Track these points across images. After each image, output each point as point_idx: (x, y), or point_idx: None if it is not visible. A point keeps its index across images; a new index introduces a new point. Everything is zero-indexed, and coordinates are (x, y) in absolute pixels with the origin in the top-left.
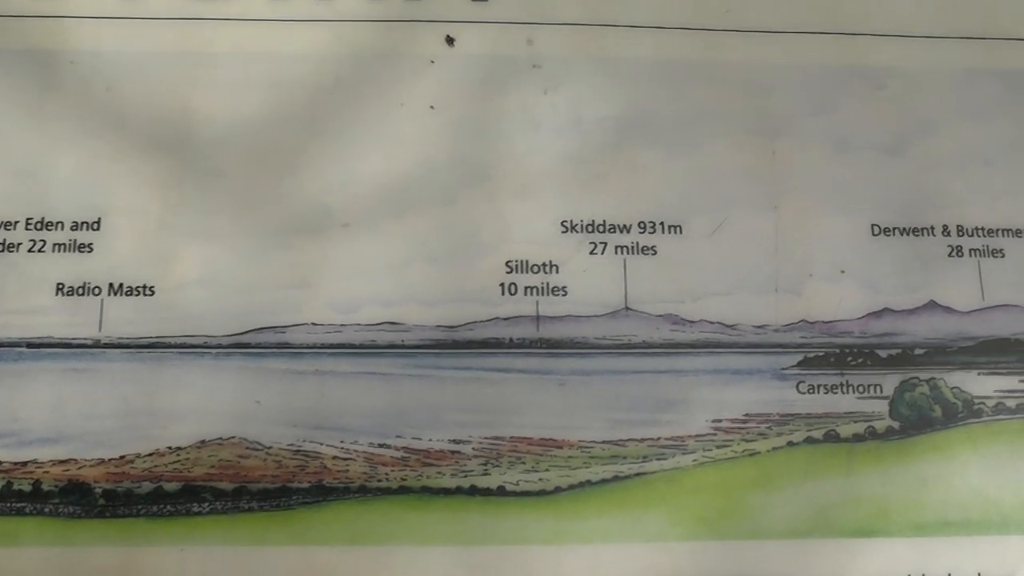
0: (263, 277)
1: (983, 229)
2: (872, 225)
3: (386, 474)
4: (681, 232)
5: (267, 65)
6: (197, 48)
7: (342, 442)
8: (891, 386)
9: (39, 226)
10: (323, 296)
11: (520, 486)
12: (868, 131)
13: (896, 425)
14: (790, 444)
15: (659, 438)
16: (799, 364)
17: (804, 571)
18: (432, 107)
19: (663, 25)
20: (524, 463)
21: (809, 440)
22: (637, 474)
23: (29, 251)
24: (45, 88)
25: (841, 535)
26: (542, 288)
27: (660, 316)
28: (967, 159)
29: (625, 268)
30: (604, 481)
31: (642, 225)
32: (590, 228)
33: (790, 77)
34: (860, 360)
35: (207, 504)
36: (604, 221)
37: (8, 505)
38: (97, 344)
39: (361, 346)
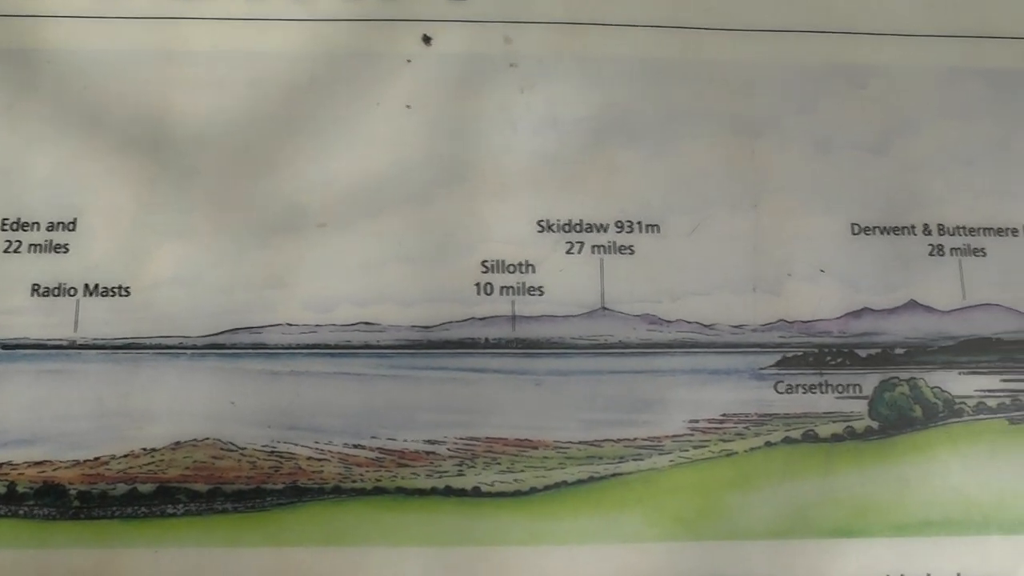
0: (238, 277)
1: (964, 228)
2: (852, 224)
3: (361, 475)
4: (659, 231)
5: (244, 64)
6: (174, 47)
7: (317, 443)
8: (871, 386)
9: (15, 226)
10: (298, 296)
11: (495, 487)
12: (849, 130)
13: (875, 425)
14: (768, 444)
15: (635, 438)
16: (777, 364)
17: (782, 572)
18: (409, 106)
19: (641, 24)
20: (499, 464)
21: (787, 440)
22: (613, 475)
23: (4, 252)
24: (21, 87)
25: (820, 535)
26: (518, 288)
27: (637, 316)
28: (949, 158)
29: (602, 268)
30: (580, 482)
31: (619, 225)
32: (567, 228)
33: (770, 76)
34: (839, 360)
35: (181, 505)
36: (581, 220)
37: None
38: (73, 345)
39: (336, 346)
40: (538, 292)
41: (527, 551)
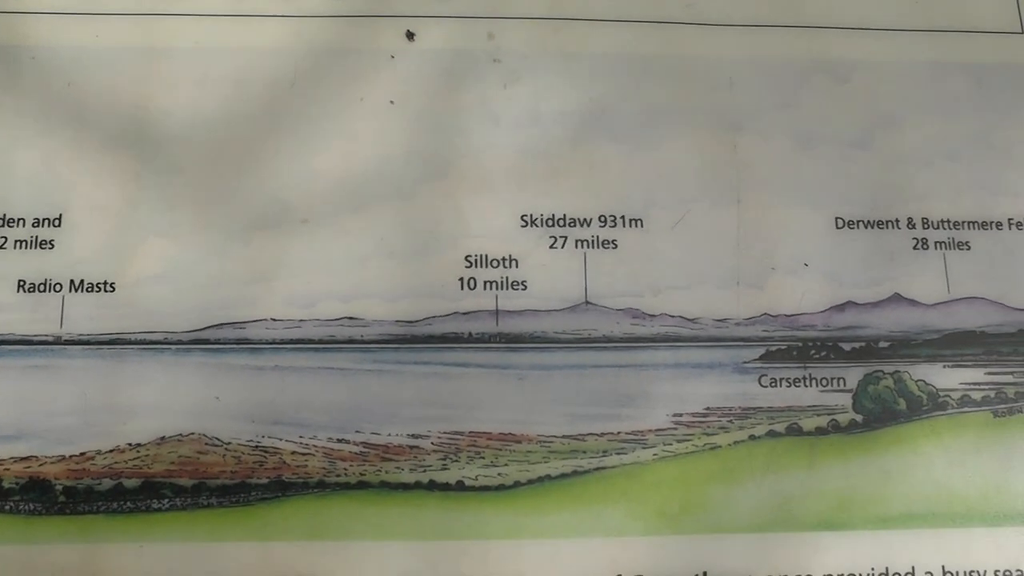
0: (223, 273)
1: (949, 222)
2: (836, 218)
3: (345, 469)
4: (642, 226)
5: (227, 61)
6: (157, 44)
7: (301, 437)
8: (855, 379)
9: (0, 223)
10: (282, 292)
11: (479, 481)
12: (832, 125)
13: (859, 418)
14: (752, 438)
15: (619, 432)
16: (761, 358)
17: (766, 565)
18: (392, 102)
19: (624, 19)
20: (483, 458)
21: (771, 434)
22: (597, 468)
23: None
24: (5, 84)
25: (803, 528)
26: (501, 282)
27: (620, 310)
28: (933, 152)
29: (585, 262)
30: (563, 476)
31: (603, 219)
32: (550, 222)
33: (752, 71)
34: (823, 353)
35: (167, 500)
36: (564, 215)
37: None
38: (58, 341)
39: (320, 341)
40: (521, 286)
41: (511, 545)
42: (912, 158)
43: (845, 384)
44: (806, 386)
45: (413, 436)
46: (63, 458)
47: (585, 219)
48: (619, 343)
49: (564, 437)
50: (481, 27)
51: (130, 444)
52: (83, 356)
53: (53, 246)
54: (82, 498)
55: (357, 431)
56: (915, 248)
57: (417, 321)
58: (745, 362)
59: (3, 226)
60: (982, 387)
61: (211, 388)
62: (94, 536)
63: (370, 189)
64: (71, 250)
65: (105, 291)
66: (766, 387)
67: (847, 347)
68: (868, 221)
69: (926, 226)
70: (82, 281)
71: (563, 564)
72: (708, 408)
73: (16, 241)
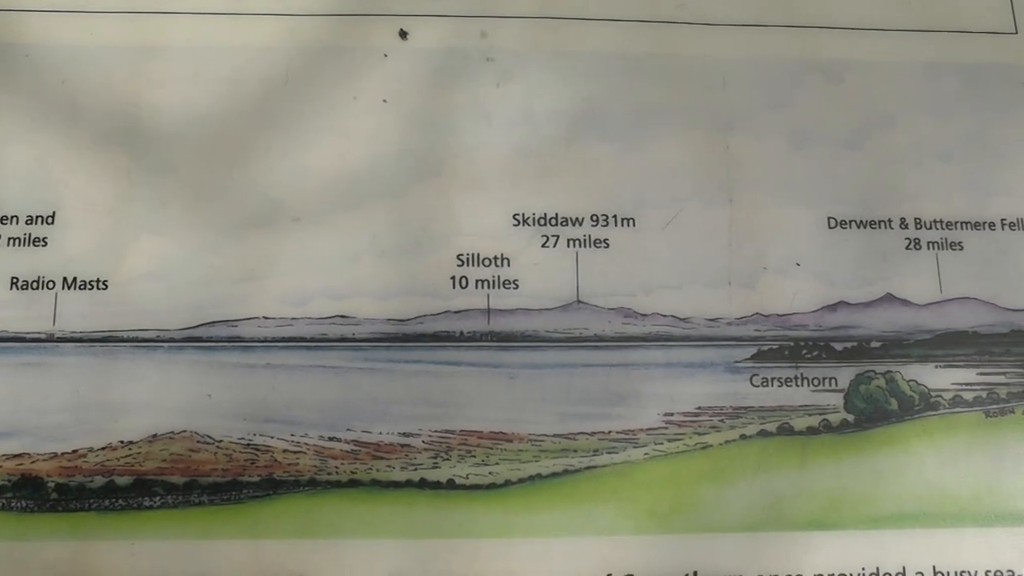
0: (215, 271)
1: (941, 222)
2: (828, 218)
3: (336, 467)
4: (634, 225)
5: (221, 59)
6: (151, 42)
7: (292, 435)
8: (846, 379)
9: None
10: (274, 290)
11: (470, 479)
12: (825, 124)
13: (851, 418)
14: (743, 437)
15: (610, 432)
16: (753, 357)
17: (756, 564)
18: (385, 101)
19: (616, 18)
20: (474, 456)
21: (762, 433)
22: (587, 468)
23: None
24: None
25: (794, 528)
26: (493, 281)
27: (612, 309)
28: (925, 152)
29: (577, 261)
30: (554, 475)
31: (595, 218)
32: (542, 221)
33: (745, 71)
34: (815, 353)
35: (158, 498)
36: (556, 214)
37: None
38: (51, 338)
39: (312, 339)
40: (513, 285)
41: (501, 543)
42: (905, 158)
43: (837, 384)
44: (798, 386)
45: (404, 434)
46: (55, 455)
47: (577, 218)
48: (610, 342)
49: (555, 436)
50: (474, 26)
51: (122, 442)
52: (76, 354)
53: (46, 244)
54: (74, 495)
55: (348, 429)
56: (907, 248)
57: (409, 320)
58: (737, 362)
59: None
60: (974, 387)
61: (203, 386)
62: (86, 533)
63: (362, 187)
64: (64, 248)
65: (98, 289)
66: (757, 387)
67: (839, 347)
68: (860, 221)
69: (919, 226)
70: (75, 279)
71: (553, 563)
72: (699, 408)
73: (9, 238)
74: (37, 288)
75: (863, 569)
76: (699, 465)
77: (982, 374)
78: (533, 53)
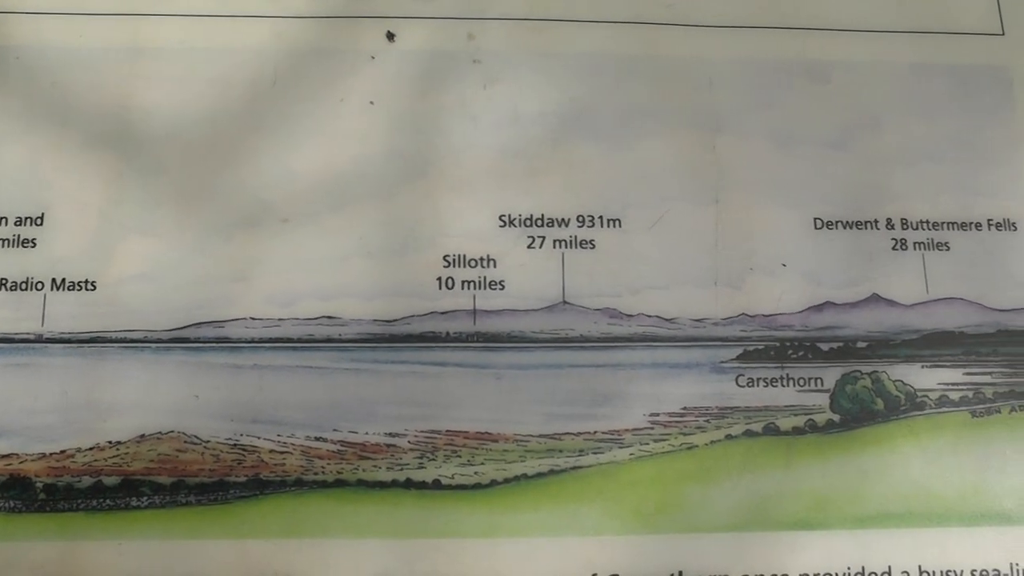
0: (203, 272)
1: (928, 222)
2: (815, 219)
3: (322, 467)
4: (620, 226)
5: (209, 60)
6: (141, 43)
7: (279, 436)
8: (832, 379)
9: None
10: (262, 290)
11: (455, 479)
12: (812, 125)
13: (837, 418)
14: (728, 437)
15: (596, 432)
16: (739, 357)
17: (742, 564)
18: (372, 102)
19: (603, 20)
20: (460, 456)
21: (748, 433)
22: (573, 468)
23: None
24: None
25: (780, 528)
26: (479, 282)
27: (598, 310)
28: (912, 153)
29: (563, 262)
30: (540, 475)
31: (581, 219)
32: (528, 222)
33: (732, 71)
34: (801, 353)
35: (145, 498)
36: (542, 215)
37: None
38: (39, 339)
39: (299, 340)
40: (499, 286)
41: (487, 543)
42: (892, 159)
43: (823, 384)
44: (783, 386)
45: (390, 435)
46: (43, 456)
47: (563, 219)
48: (596, 343)
49: (541, 436)
50: (461, 28)
51: (110, 442)
52: (64, 354)
53: (35, 245)
54: (62, 496)
55: (335, 429)
56: (894, 249)
57: (395, 320)
58: (722, 362)
59: None
60: (960, 387)
61: (190, 387)
62: (74, 533)
63: (350, 189)
64: (53, 249)
65: (86, 290)
66: (743, 387)
67: (825, 347)
68: (847, 222)
69: (905, 227)
70: (64, 280)
71: (539, 563)
72: (685, 408)
73: None
74: (26, 289)
75: (849, 569)
76: (685, 465)
77: (968, 374)
78: (520, 54)
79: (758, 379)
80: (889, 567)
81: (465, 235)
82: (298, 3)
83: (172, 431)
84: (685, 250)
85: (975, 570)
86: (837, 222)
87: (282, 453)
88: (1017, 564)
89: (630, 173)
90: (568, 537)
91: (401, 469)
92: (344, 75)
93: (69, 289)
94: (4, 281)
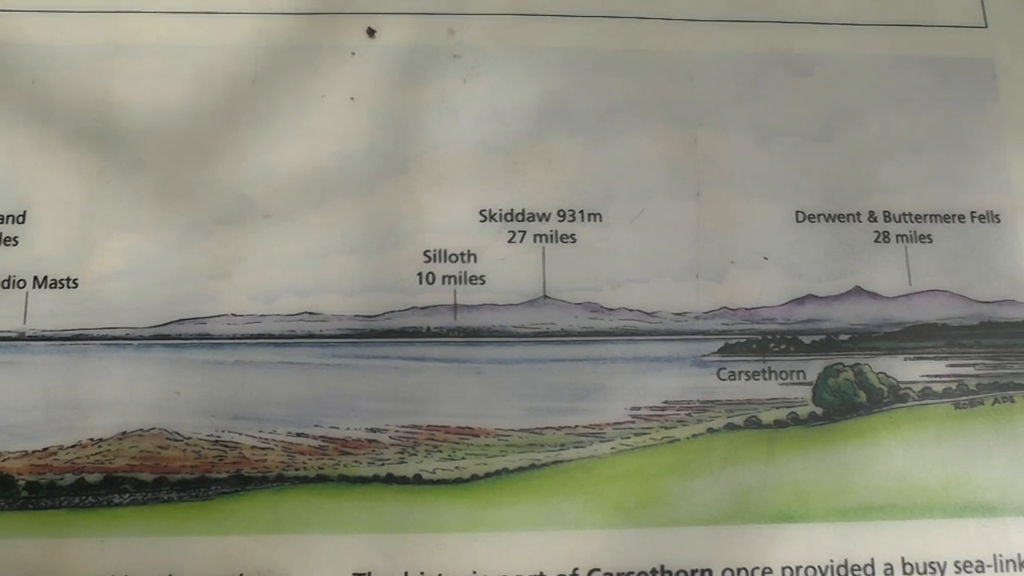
0: (184, 268)
1: (911, 215)
2: (796, 212)
3: (304, 463)
4: (601, 220)
5: (189, 57)
6: (121, 41)
7: (260, 432)
8: (815, 372)
9: None
10: (243, 287)
11: (436, 474)
12: (794, 118)
13: (819, 411)
14: (710, 431)
15: (577, 426)
16: (720, 351)
17: (723, 557)
18: (352, 99)
19: (583, 14)
20: (441, 451)
21: (730, 427)
22: (554, 462)
23: None
24: None
25: (761, 521)
26: (460, 277)
27: (579, 304)
28: (895, 146)
29: (544, 256)
30: (521, 469)
31: (561, 213)
32: (509, 217)
33: (712, 65)
34: (783, 346)
35: (128, 495)
36: (523, 210)
37: None
38: (22, 337)
39: (280, 336)
40: (480, 281)
41: (467, 538)
42: (874, 151)
43: (805, 377)
44: (765, 379)
45: (371, 430)
46: (26, 453)
47: (544, 213)
48: (577, 337)
49: (522, 431)
50: (441, 23)
51: (92, 439)
52: (46, 352)
53: (17, 243)
54: (44, 493)
55: (316, 425)
56: (876, 241)
57: (376, 316)
58: (704, 355)
59: None
60: (943, 379)
61: (172, 383)
62: (56, 531)
63: (330, 185)
64: (34, 246)
65: (68, 287)
66: (725, 380)
67: (807, 340)
68: (829, 214)
69: (887, 219)
70: (45, 277)
71: (520, 557)
72: (666, 402)
73: None
74: (8, 287)
75: (831, 561)
76: (666, 459)
77: (951, 366)
78: (500, 50)
79: (740, 372)
80: (872, 559)
81: (445, 230)
82: (278, 0)
83: (154, 428)
84: (666, 244)
85: (958, 562)
86: (819, 215)
87: (264, 449)
88: (1000, 555)
89: (611, 167)
90: (549, 531)
91: (382, 464)
92: (324, 71)
93: (51, 287)
94: None
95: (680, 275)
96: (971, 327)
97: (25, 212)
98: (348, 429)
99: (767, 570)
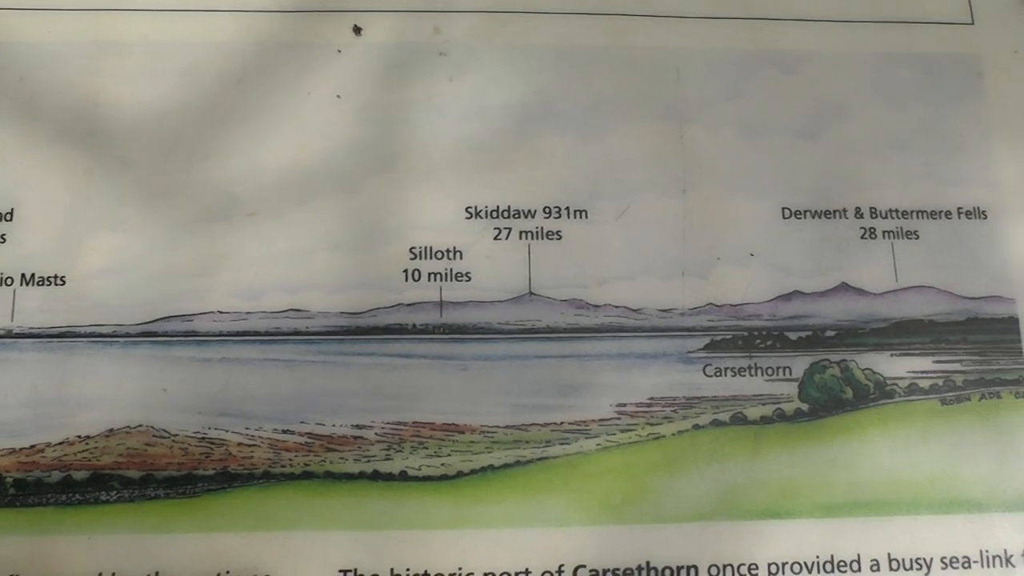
0: (171, 266)
1: (897, 211)
2: (783, 208)
3: (290, 460)
4: (586, 217)
5: (176, 55)
6: (108, 38)
7: (247, 429)
8: (801, 368)
9: None
10: (229, 284)
11: (422, 471)
12: (780, 115)
13: (805, 407)
14: (696, 427)
15: (562, 423)
16: (706, 347)
17: (709, 554)
18: (339, 96)
19: (570, 11)
20: (426, 448)
21: (715, 423)
22: (540, 459)
23: None
24: None
25: (747, 517)
26: (446, 274)
27: (564, 301)
28: (881, 142)
29: (529, 253)
30: (506, 466)
31: (547, 210)
32: (494, 214)
33: (699, 62)
34: (769, 343)
35: (115, 492)
36: (509, 207)
37: None
38: (9, 334)
39: (266, 333)
40: (465, 278)
41: (453, 534)
42: (860, 148)
43: (791, 373)
44: (751, 375)
45: (357, 427)
46: (13, 451)
47: (529, 210)
48: (563, 334)
49: (507, 427)
50: (427, 21)
51: (79, 436)
52: (34, 349)
53: (5, 240)
54: (32, 490)
55: (302, 422)
56: (863, 237)
57: (362, 313)
58: (690, 352)
59: None
60: (930, 375)
61: (159, 380)
62: (44, 528)
63: (316, 182)
64: (22, 244)
65: (55, 285)
66: (711, 376)
67: (793, 336)
68: (815, 211)
69: (874, 215)
70: (33, 275)
71: (505, 554)
72: (652, 398)
73: None
74: None
75: (818, 557)
76: (652, 455)
77: (938, 362)
78: (486, 47)
79: (726, 369)
80: (858, 555)
81: (431, 227)
82: None
83: (141, 425)
84: (652, 241)
85: (945, 557)
86: (805, 211)
87: (250, 446)
88: (987, 551)
89: (597, 164)
90: (535, 528)
91: (368, 461)
92: (311, 69)
93: (38, 284)
94: None
95: (666, 272)
96: (957, 323)
97: (13, 210)
98: (334, 426)
99: (753, 566)
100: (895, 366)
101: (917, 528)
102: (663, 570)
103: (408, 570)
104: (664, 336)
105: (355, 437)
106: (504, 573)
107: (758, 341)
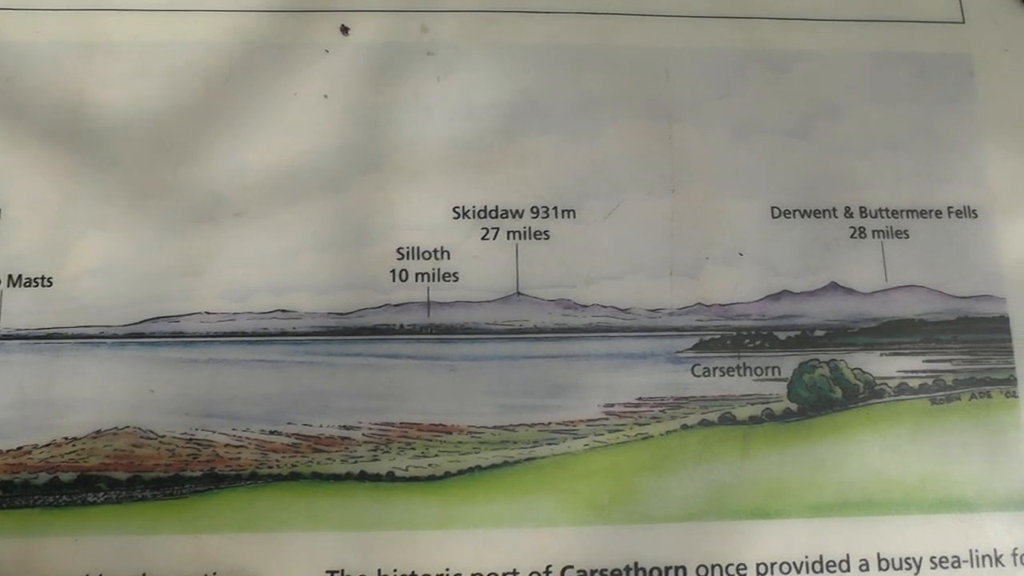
0: (157, 267)
1: (887, 211)
2: (772, 207)
3: (277, 461)
4: (574, 216)
5: (163, 55)
6: (95, 38)
7: (234, 430)
8: (790, 368)
9: None
10: (216, 285)
11: (409, 471)
12: (771, 115)
13: (794, 407)
14: (684, 427)
15: (550, 423)
16: (694, 347)
17: (698, 554)
18: (326, 96)
19: (558, 10)
20: (414, 448)
21: (704, 423)
22: (527, 459)
23: None
24: None
25: (736, 517)
26: (433, 274)
27: (552, 301)
28: (872, 142)
29: (517, 253)
30: (494, 466)
31: (535, 210)
32: (482, 214)
33: (688, 61)
34: (758, 343)
35: (102, 494)
36: (496, 206)
37: None
38: None
39: (253, 334)
40: (453, 278)
41: (440, 535)
42: (851, 147)
43: (780, 373)
44: (740, 375)
45: (344, 427)
46: (1, 453)
47: (517, 210)
48: (551, 334)
49: (495, 428)
50: (414, 20)
51: (66, 438)
52: (21, 351)
53: None
54: (19, 492)
55: (289, 423)
56: (852, 237)
57: (349, 313)
58: (678, 352)
59: None
60: (920, 375)
61: (146, 382)
62: (31, 530)
63: (303, 182)
64: (9, 245)
65: (42, 286)
66: (699, 376)
67: (782, 336)
68: (805, 210)
69: (864, 215)
70: (20, 276)
71: (493, 555)
72: (640, 398)
73: None
74: None
75: (807, 558)
76: (640, 456)
77: (928, 361)
78: (473, 46)
79: (714, 368)
80: (847, 555)
81: (419, 227)
82: None
83: (128, 426)
84: (640, 240)
85: (934, 557)
86: (795, 211)
87: (237, 447)
88: (976, 551)
89: (585, 164)
90: (522, 529)
91: (355, 462)
92: (298, 69)
93: (25, 285)
94: None
95: (654, 271)
96: (948, 322)
97: (0, 211)
98: (321, 427)
99: (742, 566)
100: (885, 366)
101: (907, 528)
102: (651, 570)
103: (395, 571)
104: (652, 336)
105: (342, 438)
106: (492, 574)
107: (747, 341)
